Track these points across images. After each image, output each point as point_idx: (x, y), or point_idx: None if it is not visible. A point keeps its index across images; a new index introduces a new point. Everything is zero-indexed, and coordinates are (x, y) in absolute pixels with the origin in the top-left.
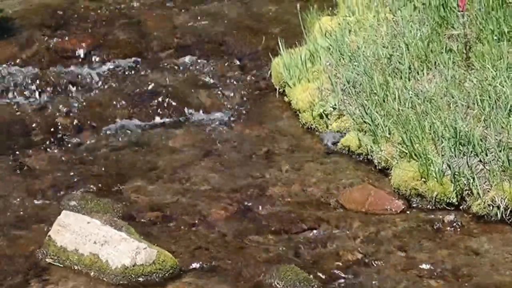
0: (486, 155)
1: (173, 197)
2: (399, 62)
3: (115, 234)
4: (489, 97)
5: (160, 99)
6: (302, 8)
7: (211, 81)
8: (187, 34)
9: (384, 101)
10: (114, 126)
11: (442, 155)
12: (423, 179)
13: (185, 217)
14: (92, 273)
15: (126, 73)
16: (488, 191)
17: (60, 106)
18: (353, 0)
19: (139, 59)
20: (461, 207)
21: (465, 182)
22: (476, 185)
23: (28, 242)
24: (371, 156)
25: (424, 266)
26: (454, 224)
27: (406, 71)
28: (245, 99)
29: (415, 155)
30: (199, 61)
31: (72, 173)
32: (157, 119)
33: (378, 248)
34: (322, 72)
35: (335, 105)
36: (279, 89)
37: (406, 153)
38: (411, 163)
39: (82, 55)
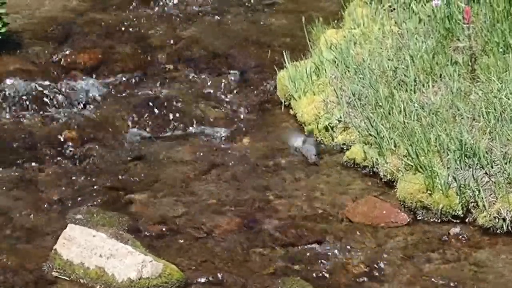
0: (492, 167)
1: (178, 210)
2: (405, 75)
3: (121, 248)
4: (495, 109)
5: (165, 112)
6: (307, 21)
7: (217, 94)
8: (192, 47)
9: (389, 113)
10: (120, 139)
11: (448, 168)
12: (428, 192)
13: (191, 230)
14: (98, 287)
15: (132, 86)
16: (494, 204)
17: (66, 119)
18: (358, 13)
19: (144, 72)
20: (466, 219)
21: (470, 194)
22: (482, 198)
23: (34, 256)
24: (377, 168)
25: (430, 278)
26: (460, 236)
27: (411, 83)
28: (250, 112)
29: (421, 167)
30: (204, 74)
31: (77, 187)
32: (163, 132)
33: (384, 261)
34: (327, 85)
35: (340, 117)
36: (284, 102)
37: (412, 166)
38: (417, 175)
39: (87, 68)
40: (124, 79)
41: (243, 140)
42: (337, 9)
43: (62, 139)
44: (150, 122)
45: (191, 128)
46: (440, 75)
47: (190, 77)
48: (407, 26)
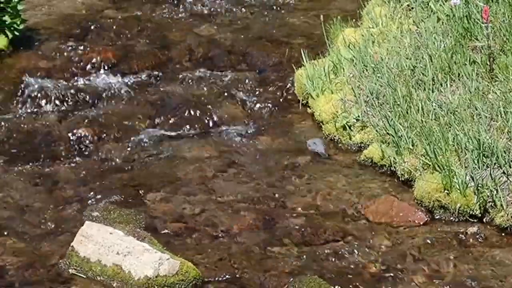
0: (510, 166)
1: (196, 208)
2: (423, 74)
3: (138, 245)
4: None
5: (183, 110)
6: (325, 20)
7: (234, 92)
8: (210, 45)
9: (407, 112)
10: (137, 137)
11: (466, 167)
12: (446, 191)
13: (208, 228)
14: (115, 284)
15: (149, 84)
16: None
17: (84, 116)
18: (377, 12)
19: (162, 70)
20: (484, 219)
21: (488, 194)
22: (500, 197)
23: (51, 253)
24: (394, 167)
25: (447, 278)
26: (477, 236)
27: (429, 82)
28: (268, 110)
29: (439, 166)
30: (222, 72)
31: (95, 184)
32: (180, 130)
33: (401, 260)
34: (345, 84)
35: (358, 116)
36: (302, 100)
37: (429, 165)
38: (434, 175)
39: (105, 66)
40: (141, 77)
41: (261, 139)
42: (355, 8)
43: (79, 136)
44: (167, 120)
45: (208, 126)
46: (458, 74)
47: (208, 75)
48: (425, 25)
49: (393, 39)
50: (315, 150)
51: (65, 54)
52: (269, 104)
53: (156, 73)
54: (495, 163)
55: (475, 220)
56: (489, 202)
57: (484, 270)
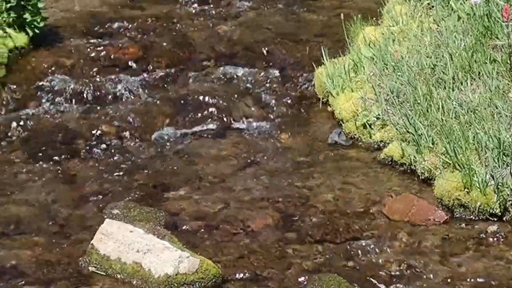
0: None
1: (216, 206)
2: (443, 72)
3: (158, 243)
4: None
5: (203, 108)
6: (346, 18)
7: (255, 90)
8: (230, 43)
9: (427, 111)
10: (157, 135)
11: (486, 166)
12: (466, 190)
13: (228, 226)
14: (134, 282)
15: (170, 81)
16: None
17: (104, 114)
18: (397, 10)
19: (182, 68)
20: (504, 217)
21: (508, 192)
22: None
23: (71, 250)
24: (414, 166)
25: (467, 277)
26: (497, 235)
27: (450, 81)
28: (288, 108)
29: (459, 165)
30: (242, 70)
31: (115, 182)
32: (201, 128)
33: (421, 258)
34: (365, 82)
35: (378, 115)
36: (322, 98)
37: (450, 163)
38: (455, 173)
39: (126, 64)
40: (162, 74)
41: (280, 136)
42: (375, 7)
43: (100, 134)
44: (187, 118)
45: (229, 124)
46: (479, 73)
47: (228, 73)
48: (446, 24)
49: (414, 38)
50: (337, 140)
51: (86, 51)
52: (289, 102)
53: (176, 70)
54: None
55: (495, 219)
56: (509, 200)
57: (504, 268)
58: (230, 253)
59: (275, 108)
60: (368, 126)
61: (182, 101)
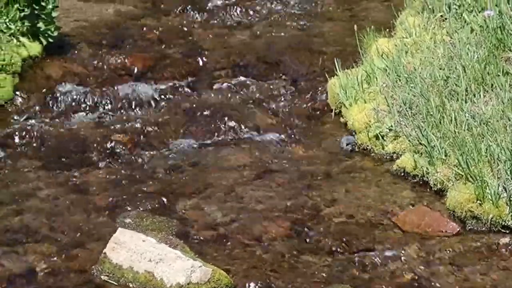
0: None
1: (228, 216)
2: (456, 84)
3: (170, 252)
4: None
5: (215, 118)
6: (359, 29)
7: (267, 100)
8: (243, 53)
9: (440, 123)
10: (169, 145)
11: (498, 178)
12: (478, 202)
13: (240, 236)
14: None
15: (183, 91)
16: None
17: (117, 124)
18: (410, 22)
19: (195, 78)
20: None
21: None
22: None
23: (83, 259)
24: (427, 177)
25: None
26: (510, 247)
27: (462, 93)
28: (301, 119)
29: (471, 177)
30: (254, 80)
31: (127, 191)
32: (213, 138)
33: (433, 270)
34: (378, 93)
35: (391, 126)
36: (335, 109)
37: (462, 175)
38: (467, 185)
39: (139, 73)
40: (175, 84)
41: (293, 147)
42: (389, 18)
43: (112, 144)
44: (200, 128)
45: (241, 134)
46: (492, 85)
47: (241, 84)
48: (459, 36)
49: (427, 50)
50: (348, 143)
51: (99, 61)
52: (302, 113)
53: (189, 81)
54: None
55: (507, 231)
56: None
57: None
58: (242, 263)
59: (287, 119)
60: (380, 138)
61: (194, 111)
